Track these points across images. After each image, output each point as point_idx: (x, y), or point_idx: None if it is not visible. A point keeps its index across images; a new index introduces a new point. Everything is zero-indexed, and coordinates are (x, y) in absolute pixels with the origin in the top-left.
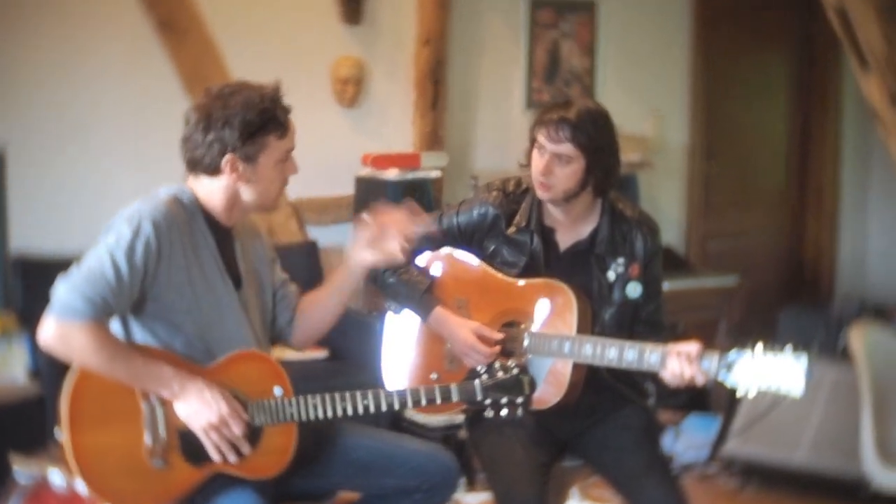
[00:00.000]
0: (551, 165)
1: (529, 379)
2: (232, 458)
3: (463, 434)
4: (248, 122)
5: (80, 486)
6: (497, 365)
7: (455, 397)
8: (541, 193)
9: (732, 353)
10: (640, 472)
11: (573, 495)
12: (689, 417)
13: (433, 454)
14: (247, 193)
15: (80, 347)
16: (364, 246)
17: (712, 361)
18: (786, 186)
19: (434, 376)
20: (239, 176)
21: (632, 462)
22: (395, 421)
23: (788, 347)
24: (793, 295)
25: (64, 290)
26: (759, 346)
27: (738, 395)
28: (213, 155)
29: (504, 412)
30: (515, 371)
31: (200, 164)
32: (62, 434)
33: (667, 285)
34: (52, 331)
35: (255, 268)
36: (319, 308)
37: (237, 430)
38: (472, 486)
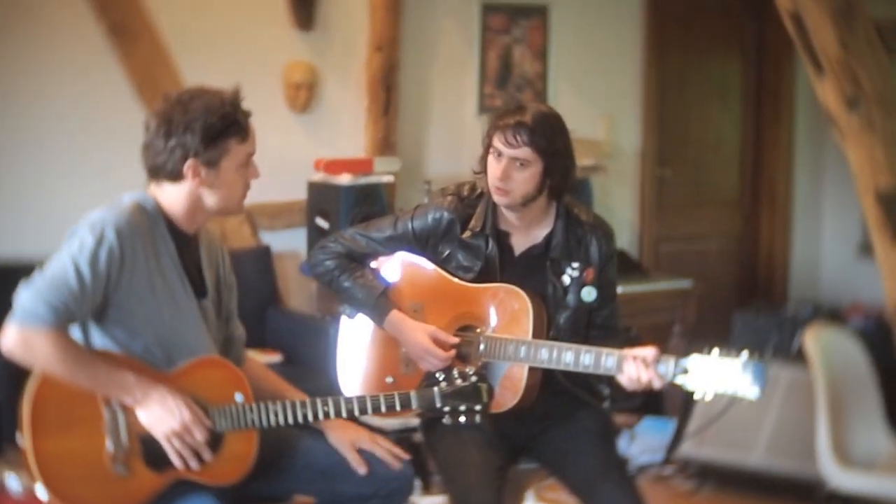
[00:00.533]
0: (509, 170)
1: (488, 386)
2: (194, 464)
3: (418, 437)
4: (210, 127)
5: (42, 492)
6: (456, 372)
7: (415, 404)
8: (498, 199)
9: (688, 358)
10: (597, 475)
11: (528, 498)
12: (643, 420)
13: (388, 461)
14: (210, 198)
15: (43, 354)
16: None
17: (668, 365)
18: (739, 190)
19: (390, 380)
20: (201, 181)
21: (588, 465)
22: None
23: (744, 352)
24: (747, 298)
25: (27, 297)
26: (715, 350)
27: (695, 398)
28: (175, 160)
29: (462, 419)
30: (474, 379)
31: (162, 171)
32: (23, 439)
33: (620, 289)
34: (15, 337)
35: (217, 282)
36: (265, 389)
37: (199, 436)
38: (427, 489)
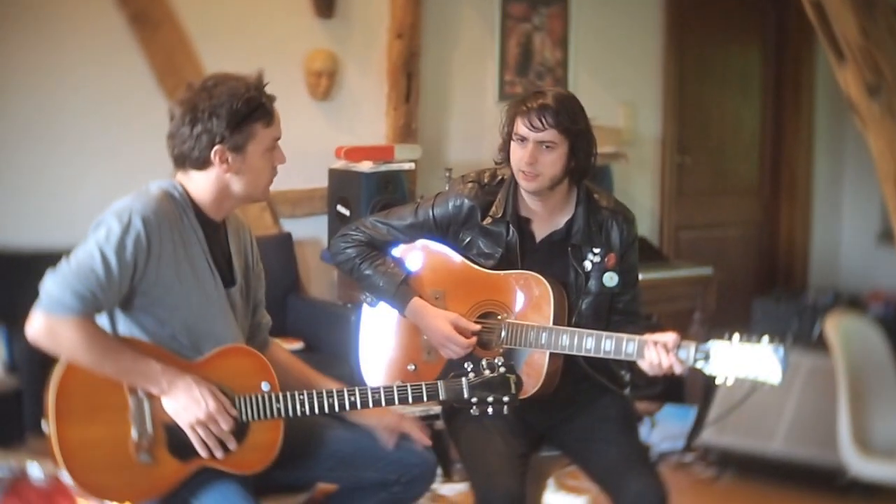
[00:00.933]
0: (536, 154)
1: (516, 377)
2: (219, 453)
3: (439, 424)
4: (236, 112)
5: (66, 479)
6: (484, 363)
7: (442, 395)
8: (527, 184)
9: (709, 343)
10: (620, 463)
11: (550, 485)
12: (664, 407)
13: (411, 447)
14: (237, 184)
15: (69, 342)
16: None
17: (689, 351)
18: (759, 178)
19: (412, 367)
20: (228, 167)
21: (610, 452)
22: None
23: (765, 337)
24: (767, 285)
25: (53, 285)
26: (736, 336)
27: (717, 383)
28: (202, 147)
29: (490, 410)
30: (503, 370)
31: (189, 159)
32: (48, 426)
33: (641, 276)
34: (41, 325)
35: (245, 270)
36: (291, 376)
37: (225, 426)
38: (448, 477)
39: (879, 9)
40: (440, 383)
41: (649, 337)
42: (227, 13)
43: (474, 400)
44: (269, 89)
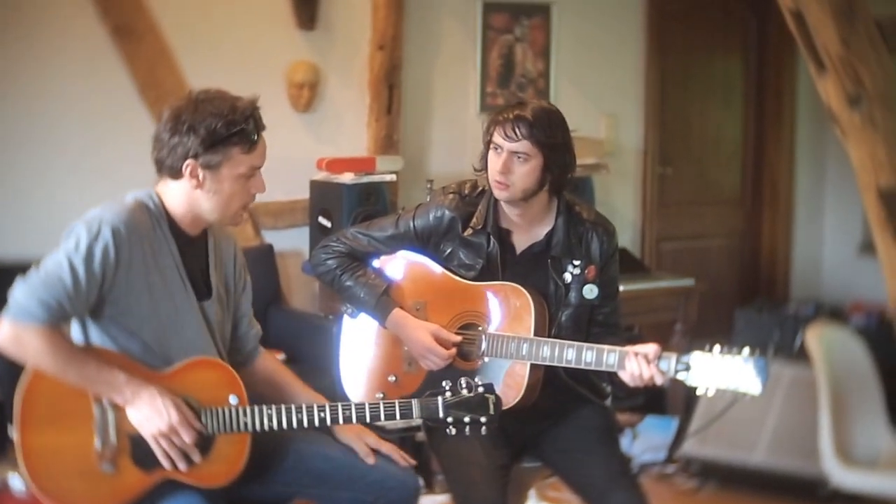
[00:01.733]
0: (509, 164)
1: (495, 398)
2: (182, 465)
3: (420, 436)
4: (213, 131)
5: (28, 485)
6: (462, 382)
7: (416, 413)
8: (498, 193)
9: (690, 354)
10: (601, 475)
11: (531, 496)
12: (646, 419)
13: (392, 469)
14: (205, 203)
15: (34, 350)
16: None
17: (670, 362)
18: (741, 188)
19: (392, 379)
20: (199, 183)
21: (592, 464)
22: None
23: (746, 349)
24: (749, 296)
25: (21, 293)
26: (717, 347)
27: (698, 394)
28: (175, 158)
29: (467, 430)
30: (481, 389)
31: (164, 166)
32: (14, 432)
33: (623, 287)
34: (7, 332)
35: (226, 282)
36: (278, 389)
37: (188, 438)
38: (430, 488)
39: (860, 19)
40: (414, 402)
41: (630, 348)
42: (209, 25)
43: (450, 419)
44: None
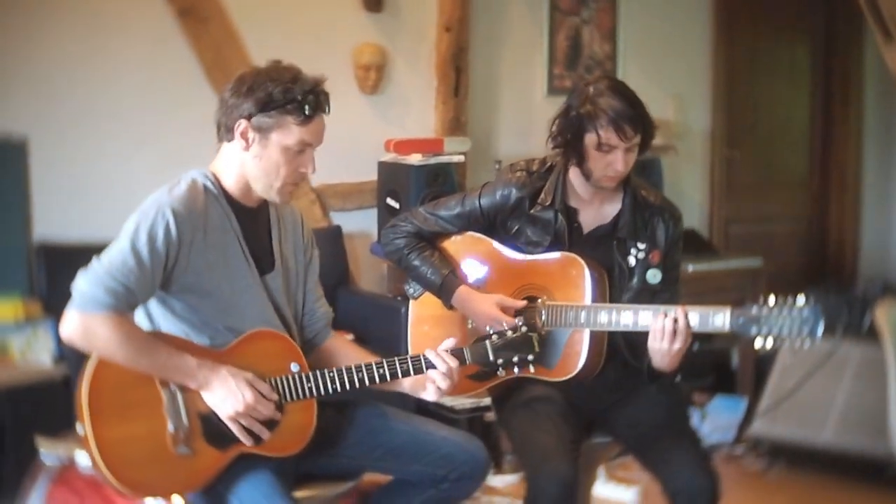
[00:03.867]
0: (627, 160)
1: (538, 336)
2: (265, 435)
3: (490, 416)
4: (268, 94)
5: (107, 478)
6: (505, 324)
7: (468, 359)
8: (610, 184)
9: (746, 307)
10: (670, 450)
11: (600, 475)
12: (715, 399)
13: (463, 444)
14: (251, 169)
15: (104, 339)
16: (431, 393)
17: (725, 315)
18: (808, 171)
19: None
20: (247, 145)
21: (661, 440)
22: (422, 404)
23: (801, 296)
24: (816, 277)
25: (85, 283)
26: (772, 297)
27: (756, 347)
28: (231, 118)
29: (516, 370)
30: (524, 329)
31: (221, 127)
32: (83, 428)
33: (691, 267)
34: (75, 324)
35: (291, 256)
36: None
37: (266, 411)
38: (498, 468)
39: None
40: (465, 348)
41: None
42: (275, 7)
43: (500, 361)
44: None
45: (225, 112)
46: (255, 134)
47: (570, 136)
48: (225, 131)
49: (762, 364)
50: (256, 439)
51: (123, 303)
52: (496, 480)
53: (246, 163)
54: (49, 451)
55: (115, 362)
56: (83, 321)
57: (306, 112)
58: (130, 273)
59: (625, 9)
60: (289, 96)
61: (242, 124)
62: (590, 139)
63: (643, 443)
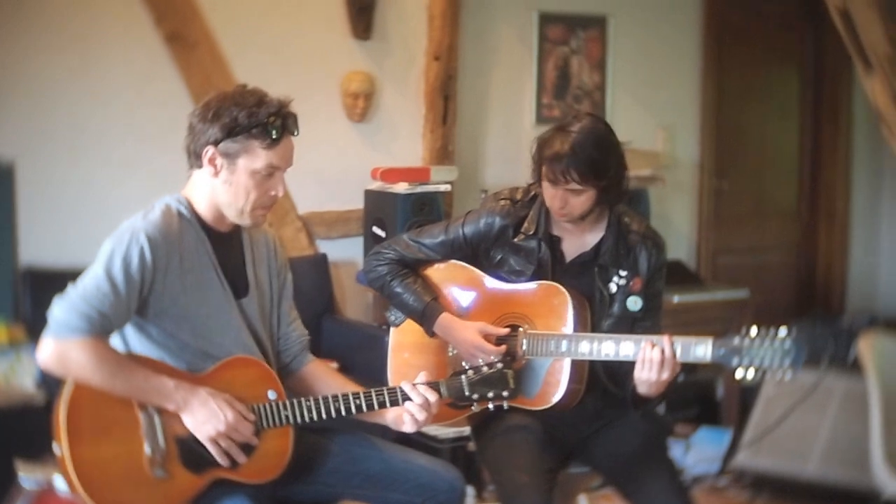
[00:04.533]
0: (565, 198)
1: (513, 373)
2: (241, 459)
3: (472, 446)
4: (234, 119)
5: (83, 500)
6: (481, 361)
7: (444, 393)
8: (559, 219)
9: (727, 338)
10: (648, 480)
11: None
12: (699, 430)
13: (440, 472)
14: (221, 195)
15: (79, 365)
16: (408, 425)
17: (707, 346)
18: (797, 201)
19: None
20: (216, 171)
21: (639, 469)
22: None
23: (783, 328)
24: (803, 309)
25: (59, 309)
26: (753, 328)
27: (737, 377)
28: (198, 144)
29: (491, 406)
30: (500, 366)
31: (191, 153)
32: (60, 448)
33: (677, 298)
34: (50, 350)
35: (266, 280)
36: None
37: (247, 431)
38: (481, 498)
39: None
40: (441, 382)
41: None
42: (263, 34)
43: (475, 396)
44: (305, 110)
45: (193, 138)
46: (223, 160)
47: (535, 163)
48: (194, 158)
49: (747, 395)
50: (233, 463)
51: (98, 328)
52: None
53: (216, 188)
54: (28, 475)
55: (93, 386)
56: (58, 347)
57: (273, 136)
58: (105, 298)
59: (614, 39)
60: (254, 121)
61: (210, 150)
62: (540, 169)
63: (622, 473)
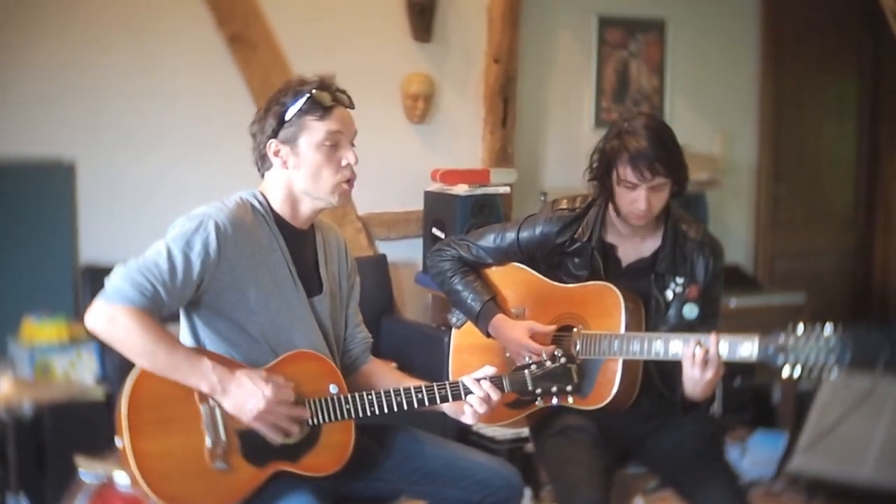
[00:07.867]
0: (650, 198)
1: (577, 367)
2: (295, 429)
3: (530, 447)
4: (282, 105)
5: (144, 492)
6: (545, 355)
7: (507, 388)
8: (638, 222)
9: (774, 335)
10: (706, 482)
11: None
12: (755, 434)
13: (498, 469)
14: (299, 182)
15: (126, 329)
16: (468, 416)
17: (754, 344)
18: (854, 205)
19: None
20: (284, 161)
21: (698, 471)
22: (462, 433)
23: (828, 325)
24: (860, 315)
25: (116, 277)
26: (800, 325)
27: (783, 375)
28: (261, 144)
29: (555, 400)
30: (563, 360)
31: (259, 159)
32: (121, 441)
33: (734, 302)
34: (99, 312)
35: (336, 280)
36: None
37: (289, 399)
38: (538, 499)
39: None
40: (504, 376)
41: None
42: (324, 35)
43: (538, 391)
44: (365, 112)
45: (256, 144)
46: (286, 147)
47: (600, 171)
48: (261, 161)
49: (803, 399)
50: (291, 452)
51: (149, 301)
52: None
53: (291, 179)
54: (88, 470)
55: (133, 356)
56: (107, 311)
57: (323, 105)
58: (161, 274)
59: (673, 43)
60: (299, 97)
61: (272, 144)
62: (615, 175)
63: (680, 474)
